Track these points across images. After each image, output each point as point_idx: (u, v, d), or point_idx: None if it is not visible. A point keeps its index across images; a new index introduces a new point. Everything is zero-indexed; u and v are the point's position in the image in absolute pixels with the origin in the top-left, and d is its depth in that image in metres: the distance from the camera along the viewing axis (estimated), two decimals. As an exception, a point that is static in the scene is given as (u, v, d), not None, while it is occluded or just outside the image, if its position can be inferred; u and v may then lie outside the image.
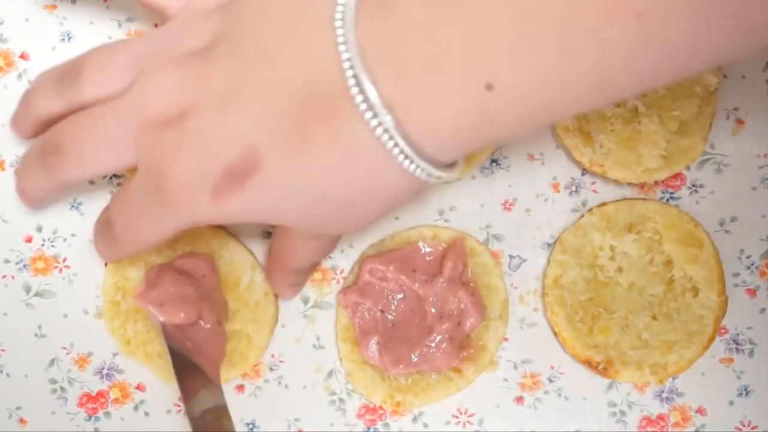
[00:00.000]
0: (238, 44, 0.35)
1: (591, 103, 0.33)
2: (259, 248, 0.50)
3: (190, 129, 0.35)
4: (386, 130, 0.32)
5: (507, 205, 0.51)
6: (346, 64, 0.32)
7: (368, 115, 0.32)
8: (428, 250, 0.49)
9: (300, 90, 0.33)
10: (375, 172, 0.34)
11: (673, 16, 0.29)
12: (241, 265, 0.49)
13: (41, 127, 0.42)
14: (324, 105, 0.33)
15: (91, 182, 0.50)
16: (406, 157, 0.33)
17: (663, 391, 0.51)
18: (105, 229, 0.42)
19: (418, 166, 0.33)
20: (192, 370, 0.44)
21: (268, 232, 0.50)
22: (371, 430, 0.50)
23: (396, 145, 0.33)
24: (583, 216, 0.50)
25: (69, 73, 0.40)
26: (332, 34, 0.33)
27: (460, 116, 0.32)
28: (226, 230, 0.49)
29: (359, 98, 0.32)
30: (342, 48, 0.32)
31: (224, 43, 0.36)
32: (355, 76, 0.32)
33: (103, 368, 0.50)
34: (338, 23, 0.32)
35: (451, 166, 0.36)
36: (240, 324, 0.49)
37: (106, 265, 0.50)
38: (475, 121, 0.32)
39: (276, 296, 0.50)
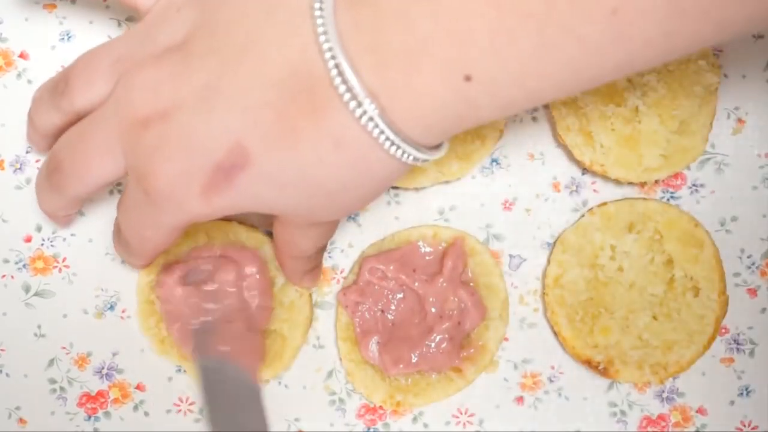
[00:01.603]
0: (215, 38, 0.35)
1: (570, 90, 0.33)
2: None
3: (172, 128, 0.35)
4: (371, 119, 0.32)
5: (507, 205, 0.51)
6: (328, 54, 0.32)
7: (352, 104, 0.32)
8: (428, 249, 0.49)
9: (283, 81, 0.33)
10: (363, 159, 0.34)
11: (648, 12, 0.30)
12: (277, 265, 0.49)
13: (52, 140, 0.42)
14: (308, 95, 0.33)
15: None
16: (392, 143, 0.33)
17: (663, 391, 0.50)
18: (118, 236, 0.42)
19: (404, 152, 0.34)
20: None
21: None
22: (371, 430, 0.50)
23: (381, 132, 0.33)
24: (583, 216, 0.50)
25: (59, 84, 0.40)
26: (312, 23, 0.32)
27: (441, 104, 0.33)
28: (260, 230, 0.50)
29: (342, 87, 0.32)
30: (323, 38, 0.32)
31: (201, 38, 0.35)
32: (337, 66, 0.32)
33: (103, 368, 0.50)
34: (317, 12, 0.32)
35: (437, 147, 0.36)
36: (274, 324, 0.49)
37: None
38: (457, 109, 0.33)
39: (310, 296, 0.50)
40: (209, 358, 0.45)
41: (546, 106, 0.51)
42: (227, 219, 0.49)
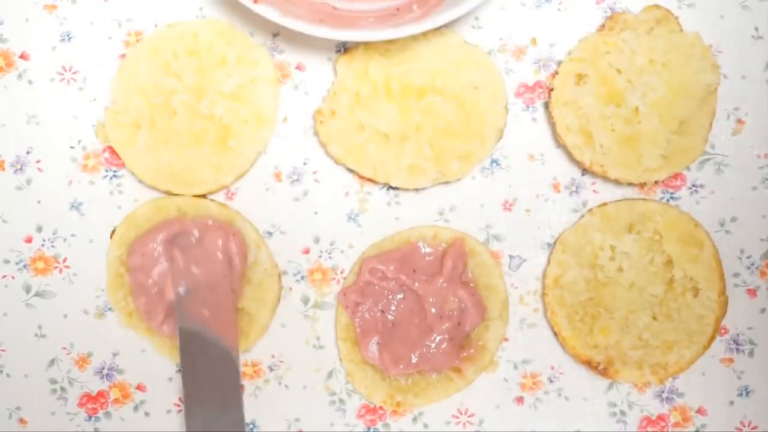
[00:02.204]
0: None
1: None
2: (280, 237, 0.50)
3: None
4: None
5: (507, 205, 0.51)
6: None
7: None
8: (428, 250, 0.49)
9: None
10: None
11: None
12: (247, 243, 0.49)
13: None
14: None
15: (91, 183, 0.50)
16: None
17: (663, 391, 0.51)
18: None
19: None
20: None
21: (273, 218, 0.50)
22: (371, 430, 0.50)
23: None
24: (583, 216, 0.50)
25: None
26: None
27: None
28: (230, 207, 0.50)
29: None
30: None
31: None
32: None
33: (103, 368, 0.50)
34: None
35: None
36: (242, 302, 0.49)
37: (111, 236, 0.50)
38: None
39: (279, 276, 0.50)
40: (191, 322, 0.46)
41: (546, 107, 0.51)
42: (200, 195, 0.50)
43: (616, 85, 0.49)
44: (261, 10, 0.46)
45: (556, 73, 0.50)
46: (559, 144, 0.50)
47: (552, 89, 0.49)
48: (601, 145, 0.49)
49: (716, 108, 0.49)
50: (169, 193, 0.50)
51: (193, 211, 0.49)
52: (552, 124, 0.50)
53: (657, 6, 0.50)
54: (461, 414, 0.50)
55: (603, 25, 0.50)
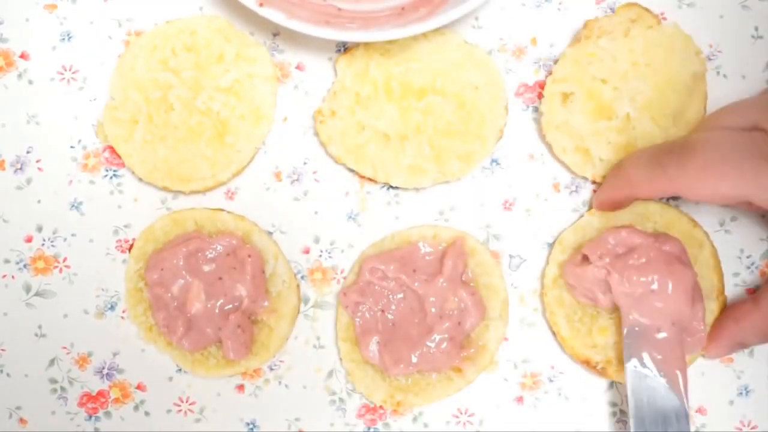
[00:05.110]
0: None
1: None
2: (280, 237, 0.50)
3: None
4: None
5: (507, 205, 0.51)
6: None
7: None
8: (428, 249, 0.49)
9: None
10: None
11: None
12: (265, 255, 0.49)
13: None
14: None
15: (91, 182, 0.50)
16: None
17: (663, 391, 0.51)
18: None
19: None
20: None
21: (284, 225, 0.50)
22: (371, 430, 0.50)
23: None
24: (582, 216, 0.50)
25: None
26: None
27: None
28: (248, 219, 0.50)
29: None
30: None
31: None
32: None
33: (104, 368, 0.50)
34: None
35: None
36: (261, 314, 0.49)
37: (130, 250, 0.50)
38: None
39: (298, 287, 0.50)
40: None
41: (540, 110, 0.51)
42: (216, 208, 0.50)
43: (604, 96, 0.48)
44: (266, 13, 0.46)
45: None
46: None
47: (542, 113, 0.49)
48: (600, 159, 0.49)
49: (707, 92, 0.49)
50: (167, 190, 0.50)
51: (210, 224, 0.49)
52: (548, 144, 0.50)
53: (630, 5, 0.49)
54: (461, 414, 0.50)
55: (578, 38, 0.50)
